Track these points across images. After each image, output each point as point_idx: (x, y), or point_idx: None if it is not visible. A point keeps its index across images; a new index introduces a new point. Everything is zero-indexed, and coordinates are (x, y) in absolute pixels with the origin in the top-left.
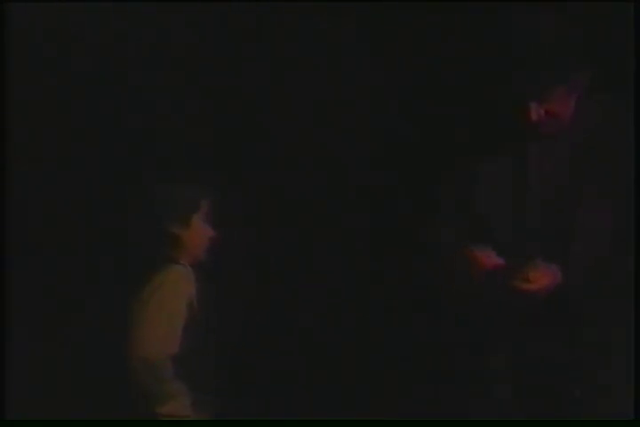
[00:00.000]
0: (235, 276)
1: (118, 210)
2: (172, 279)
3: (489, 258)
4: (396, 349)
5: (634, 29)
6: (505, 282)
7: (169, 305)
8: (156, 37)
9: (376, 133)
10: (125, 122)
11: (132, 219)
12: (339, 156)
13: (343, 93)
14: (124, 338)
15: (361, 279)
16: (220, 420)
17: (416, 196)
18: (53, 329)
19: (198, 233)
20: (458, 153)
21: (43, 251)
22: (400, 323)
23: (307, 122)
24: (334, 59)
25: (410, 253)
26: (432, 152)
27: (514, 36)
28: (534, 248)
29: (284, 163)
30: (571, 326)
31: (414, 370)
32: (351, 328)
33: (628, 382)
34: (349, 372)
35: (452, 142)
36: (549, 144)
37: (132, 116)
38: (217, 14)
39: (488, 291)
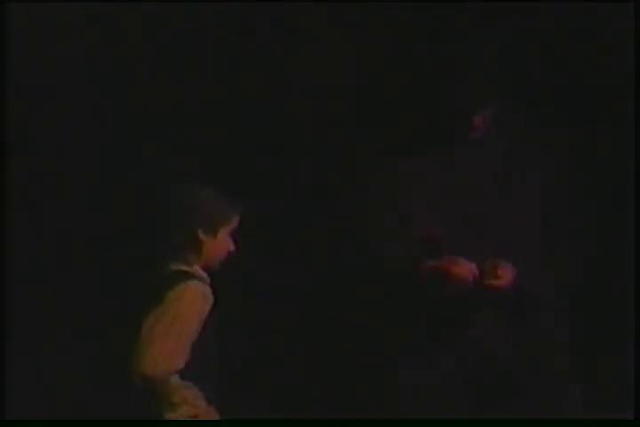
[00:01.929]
0: (243, 287)
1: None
2: (188, 297)
3: (465, 268)
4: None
5: (634, 29)
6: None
7: (180, 323)
8: (157, 37)
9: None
10: (144, 124)
11: (154, 217)
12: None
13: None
14: (130, 348)
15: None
16: (221, 420)
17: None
18: (54, 329)
19: (222, 245)
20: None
21: (53, 253)
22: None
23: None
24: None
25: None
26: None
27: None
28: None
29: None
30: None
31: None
32: (350, 338)
33: (627, 383)
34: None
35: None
36: (476, 148)
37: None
38: (217, 14)
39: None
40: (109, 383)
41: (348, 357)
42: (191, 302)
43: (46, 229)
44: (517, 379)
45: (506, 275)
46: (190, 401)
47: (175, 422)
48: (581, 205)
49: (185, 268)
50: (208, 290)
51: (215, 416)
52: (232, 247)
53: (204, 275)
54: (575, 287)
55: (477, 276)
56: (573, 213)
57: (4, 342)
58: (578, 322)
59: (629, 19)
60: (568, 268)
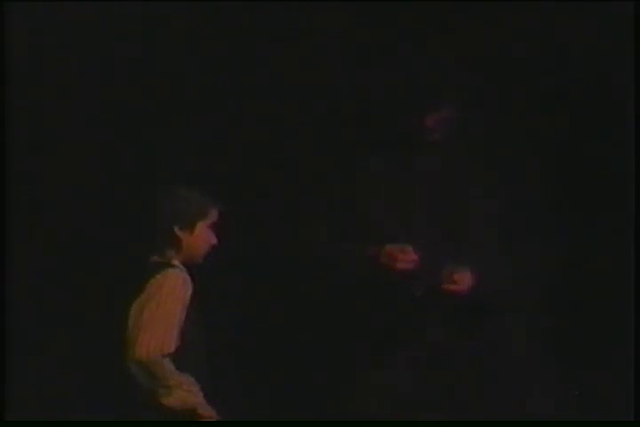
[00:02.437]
0: (226, 279)
1: (124, 208)
2: (169, 283)
3: (408, 255)
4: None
5: (634, 29)
6: (431, 283)
7: (165, 308)
8: (157, 37)
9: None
10: (133, 123)
11: (137, 217)
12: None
13: None
14: (122, 338)
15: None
16: (221, 420)
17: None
18: (54, 329)
19: (200, 239)
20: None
21: (42, 250)
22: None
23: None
24: None
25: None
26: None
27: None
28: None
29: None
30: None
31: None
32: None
33: (627, 382)
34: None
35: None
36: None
37: (139, 116)
38: (217, 13)
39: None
40: (102, 371)
41: (314, 352)
42: (172, 288)
43: (35, 230)
44: (475, 383)
45: (463, 280)
46: (185, 387)
47: (175, 423)
48: (547, 208)
49: (166, 260)
50: (187, 277)
51: (207, 405)
52: (214, 241)
53: (183, 269)
54: (545, 292)
55: (418, 263)
56: (540, 216)
57: (5, 341)
58: (554, 326)
59: (629, 19)
60: (535, 272)
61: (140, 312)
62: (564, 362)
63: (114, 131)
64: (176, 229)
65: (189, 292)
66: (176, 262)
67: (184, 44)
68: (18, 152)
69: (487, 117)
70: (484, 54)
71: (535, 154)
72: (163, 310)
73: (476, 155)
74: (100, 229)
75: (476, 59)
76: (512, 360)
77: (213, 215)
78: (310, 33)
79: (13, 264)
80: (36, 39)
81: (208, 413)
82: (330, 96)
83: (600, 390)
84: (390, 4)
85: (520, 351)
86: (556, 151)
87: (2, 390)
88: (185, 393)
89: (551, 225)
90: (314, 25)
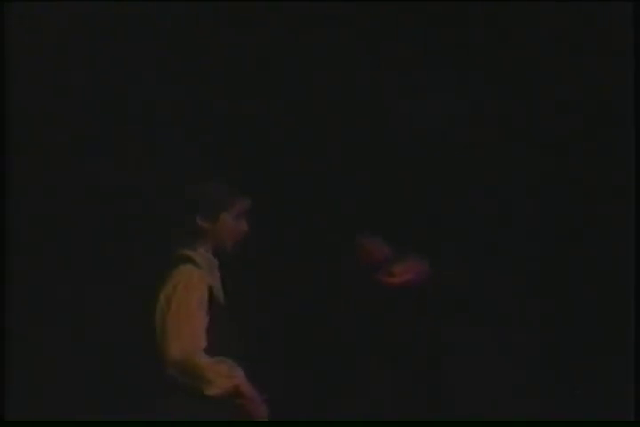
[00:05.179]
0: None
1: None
2: (183, 281)
3: (380, 249)
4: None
5: (633, 29)
6: (370, 276)
7: (185, 306)
8: (156, 37)
9: None
10: (133, 122)
11: (164, 209)
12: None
13: None
14: (130, 336)
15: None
16: (222, 420)
17: None
18: (53, 329)
19: (225, 229)
20: None
21: (42, 251)
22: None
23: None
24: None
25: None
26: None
27: None
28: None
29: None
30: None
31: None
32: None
33: (627, 382)
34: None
35: None
36: None
37: (139, 115)
38: (218, 13)
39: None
40: (102, 371)
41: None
42: (187, 285)
43: (54, 223)
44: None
45: (401, 273)
46: (225, 373)
47: (175, 423)
48: (543, 208)
49: (188, 252)
50: (199, 271)
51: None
52: (244, 228)
53: (210, 257)
54: (543, 292)
55: (388, 255)
56: (531, 217)
57: (5, 341)
58: (554, 325)
59: (629, 19)
60: (526, 273)
61: (162, 315)
62: (563, 362)
63: (114, 131)
64: (198, 220)
65: (204, 285)
66: (201, 253)
67: (184, 43)
68: (18, 152)
69: (486, 118)
70: (484, 55)
71: (534, 154)
72: (183, 308)
73: (473, 154)
74: (122, 218)
75: (476, 59)
76: (511, 360)
77: (240, 206)
78: (310, 34)
79: (13, 264)
80: (36, 39)
81: (249, 391)
82: (330, 97)
83: (600, 390)
84: (390, 4)
85: (518, 352)
86: (555, 152)
87: (2, 390)
88: (226, 380)
89: (544, 226)
90: (313, 25)
